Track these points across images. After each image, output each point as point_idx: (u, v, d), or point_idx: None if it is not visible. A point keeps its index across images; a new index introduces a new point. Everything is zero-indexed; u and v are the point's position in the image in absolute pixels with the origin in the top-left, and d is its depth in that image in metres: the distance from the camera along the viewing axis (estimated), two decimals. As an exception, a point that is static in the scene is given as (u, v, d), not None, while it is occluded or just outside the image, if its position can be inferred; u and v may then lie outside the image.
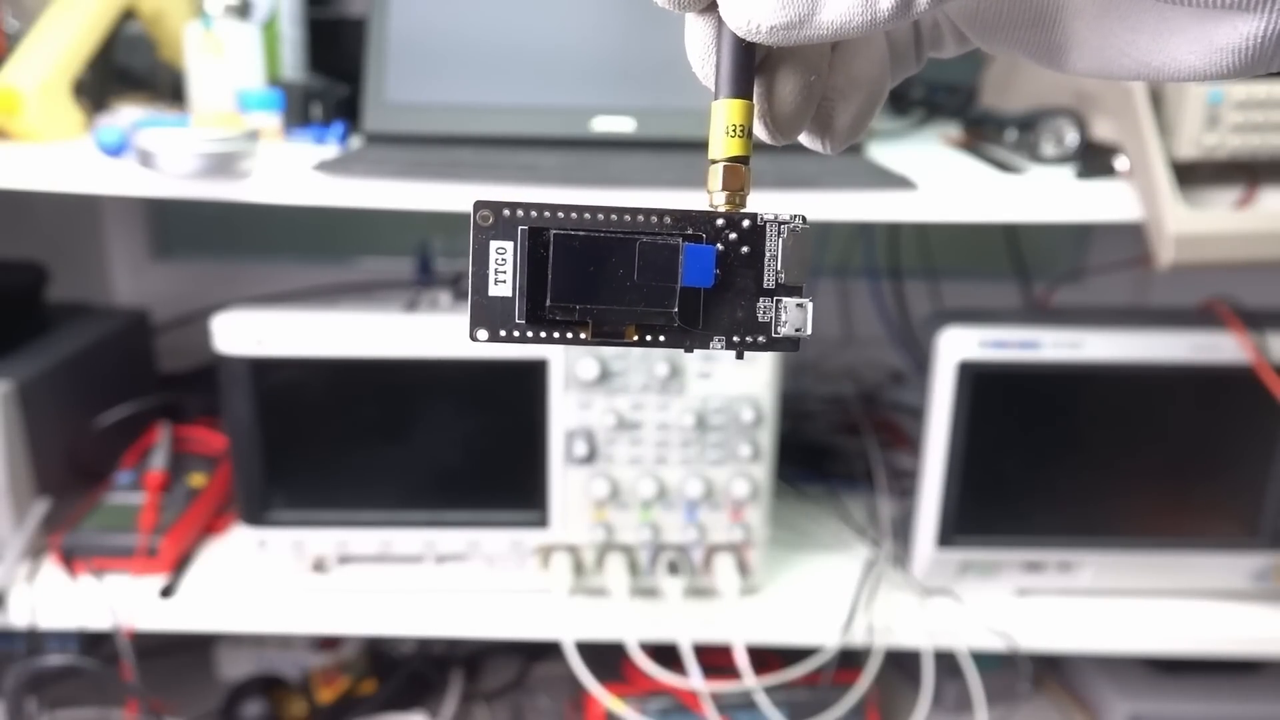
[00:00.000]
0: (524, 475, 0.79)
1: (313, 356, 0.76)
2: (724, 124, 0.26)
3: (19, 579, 0.80)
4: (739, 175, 0.27)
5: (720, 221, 0.26)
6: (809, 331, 0.27)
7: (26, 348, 0.88)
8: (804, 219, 0.27)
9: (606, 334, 0.26)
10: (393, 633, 0.83)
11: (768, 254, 0.27)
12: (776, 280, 0.27)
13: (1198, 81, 0.22)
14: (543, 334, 0.26)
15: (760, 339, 0.27)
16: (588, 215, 0.26)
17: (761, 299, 0.27)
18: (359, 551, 0.80)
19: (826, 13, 0.22)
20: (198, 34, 0.79)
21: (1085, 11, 0.24)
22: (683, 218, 0.26)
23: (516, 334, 0.26)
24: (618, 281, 0.26)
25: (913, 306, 1.15)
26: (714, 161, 0.27)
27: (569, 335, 0.26)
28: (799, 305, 0.27)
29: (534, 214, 0.26)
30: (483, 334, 0.26)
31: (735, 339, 0.27)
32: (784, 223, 0.27)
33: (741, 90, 0.26)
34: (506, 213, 0.26)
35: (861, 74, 0.27)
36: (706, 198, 0.27)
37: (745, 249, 0.27)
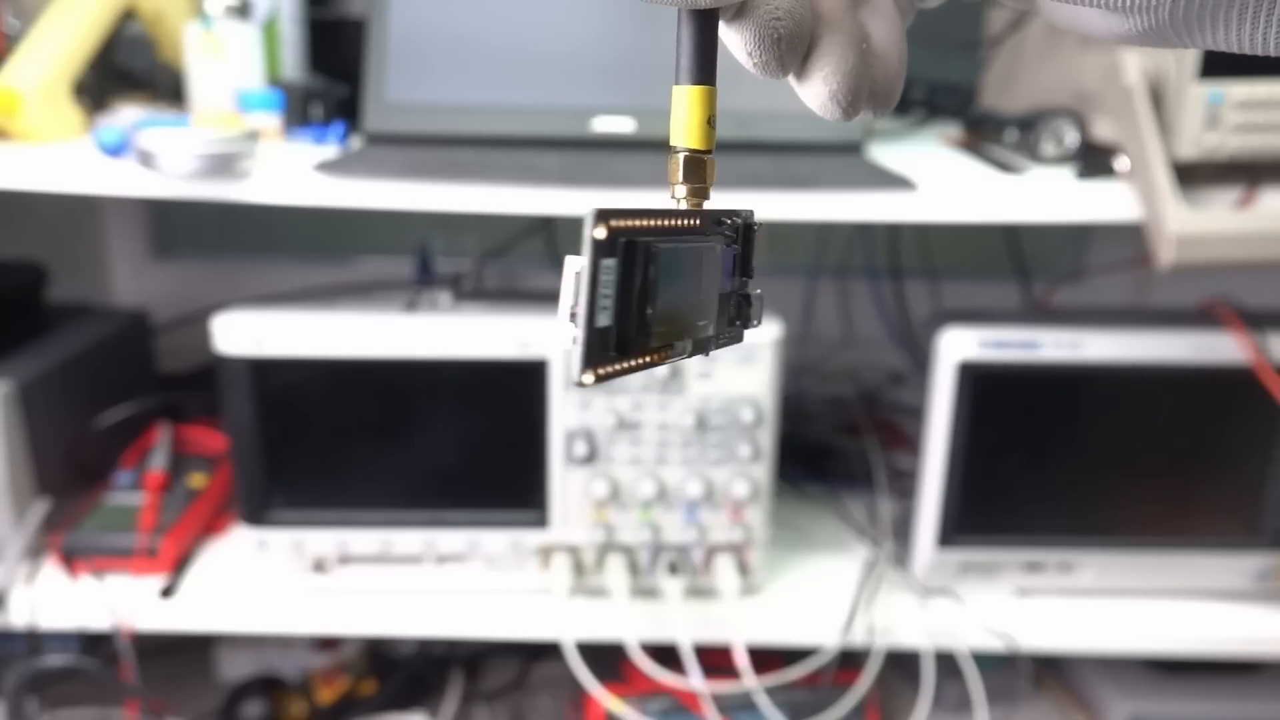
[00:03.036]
0: (524, 475, 0.79)
1: (313, 357, 0.76)
2: (686, 112, 0.25)
3: (19, 579, 0.80)
4: (703, 167, 0.25)
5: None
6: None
7: (26, 348, 0.87)
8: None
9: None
10: (393, 633, 0.83)
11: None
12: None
13: (1105, 41, 0.25)
14: (633, 362, 0.23)
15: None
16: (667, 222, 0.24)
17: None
18: (359, 552, 0.80)
19: None
20: (198, 34, 0.79)
21: None
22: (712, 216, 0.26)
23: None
24: (686, 291, 0.24)
25: (913, 306, 1.15)
26: (675, 151, 0.25)
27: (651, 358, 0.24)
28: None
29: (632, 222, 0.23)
30: (589, 377, 0.22)
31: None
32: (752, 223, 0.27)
33: (704, 75, 0.25)
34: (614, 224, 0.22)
35: (888, 33, 0.27)
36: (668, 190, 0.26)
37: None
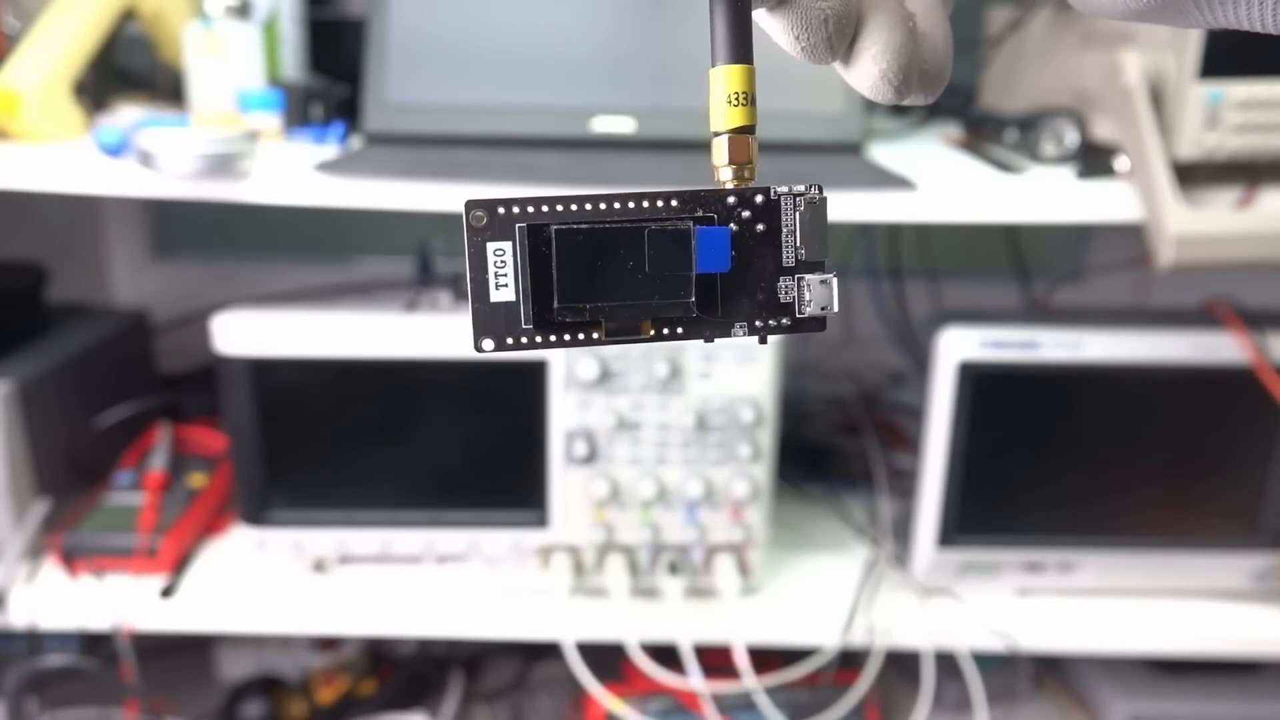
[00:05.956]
0: (524, 475, 0.79)
1: (313, 357, 0.76)
2: (724, 92, 0.25)
3: (19, 579, 0.80)
4: (745, 146, 0.25)
5: (731, 199, 0.25)
6: (835, 308, 0.25)
7: (26, 348, 0.88)
8: (820, 188, 0.25)
9: (621, 331, 0.25)
10: (393, 633, 0.83)
11: (785, 229, 0.25)
12: (797, 257, 0.25)
13: (1115, 17, 0.25)
14: (553, 337, 0.25)
15: (784, 321, 0.26)
16: (589, 206, 0.24)
17: (782, 278, 0.25)
18: (359, 552, 0.80)
19: None
20: (198, 34, 0.79)
21: None
22: (691, 199, 0.25)
23: (525, 340, 0.25)
24: (628, 274, 0.24)
25: (913, 306, 1.15)
26: (717, 134, 0.25)
27: (580, 336, 0.25)
28: (823, 281, 0.25)
29: (531, 210, 0.24)
30: (488, 343, 0.24)
31: (758, 324, 0.25)
32: (799, 194, 0.25)
33: (739, 54, 0.25)
34: (502, 211, 0.24)
35: (932, 14, 0.27)
36: (713, 174, 0.26)
37: (761, 226, 0.25)
